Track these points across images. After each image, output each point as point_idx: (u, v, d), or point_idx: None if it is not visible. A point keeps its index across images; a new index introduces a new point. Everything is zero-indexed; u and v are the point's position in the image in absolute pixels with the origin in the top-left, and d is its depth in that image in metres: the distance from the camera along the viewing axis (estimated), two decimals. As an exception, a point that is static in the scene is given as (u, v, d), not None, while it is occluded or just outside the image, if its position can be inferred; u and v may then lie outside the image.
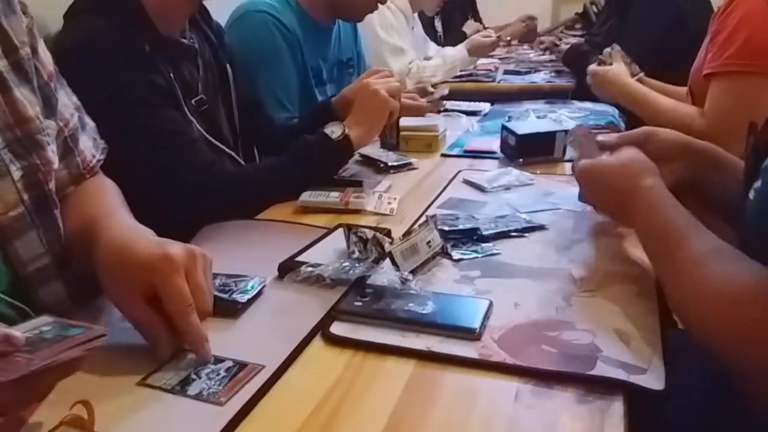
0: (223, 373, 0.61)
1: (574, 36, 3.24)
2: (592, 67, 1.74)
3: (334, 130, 1.15)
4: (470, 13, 3.75)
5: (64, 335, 0.52)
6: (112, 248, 0.66)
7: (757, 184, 0.67)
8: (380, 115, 1.24)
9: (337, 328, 0.69)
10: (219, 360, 0.63)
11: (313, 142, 1.15)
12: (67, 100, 0.82)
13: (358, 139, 1.20)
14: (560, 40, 2.87)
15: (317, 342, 0.68)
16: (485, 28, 3.06)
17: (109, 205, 0.79)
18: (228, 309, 0.72)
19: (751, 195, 0.68)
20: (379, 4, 1.70)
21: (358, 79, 1.34)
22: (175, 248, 0.64)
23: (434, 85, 2.09)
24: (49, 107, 0.77)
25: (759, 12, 1.22)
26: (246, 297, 0.74)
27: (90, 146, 0.86)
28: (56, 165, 0.75)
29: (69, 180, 0.82)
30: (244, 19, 1.54)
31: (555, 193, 1.10)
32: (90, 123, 0.88)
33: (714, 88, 1.31)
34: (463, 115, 1.76)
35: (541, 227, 0.95)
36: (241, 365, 0.63)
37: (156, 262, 0.62)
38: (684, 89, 1.55)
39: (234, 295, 0.74)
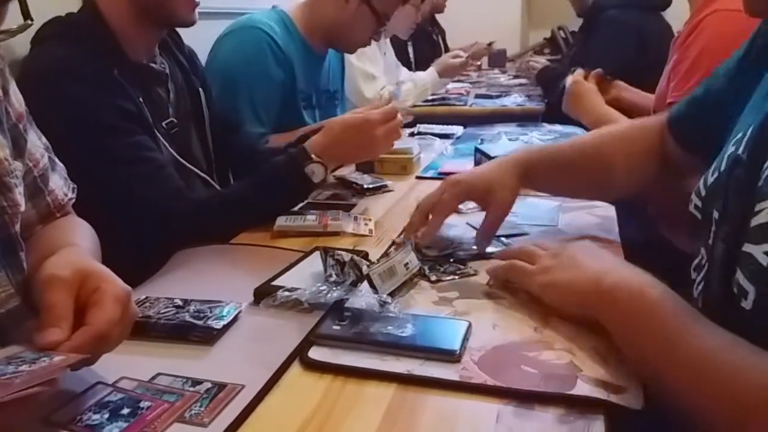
0: (204, 394, 0.60)
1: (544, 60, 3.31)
2: (572, 77, 1.73)
3: (315, 172, 1.11)
4: (437, 35, 3.83)
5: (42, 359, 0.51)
6: (61, 254, 0.64)
7: None
8: (366, 152, 1.24)
9: (316, 353, 0.68)
10: (196, 382, 0.62)
11: (289, 178, 1.11)
12: (37, 141, 0.81)
13: (333, 169, 1.22)
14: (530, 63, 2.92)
15: (296, 367, 0.67)
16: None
17: (73, 240, 0.77)
18: (203, 336, 0.71)
19: (762, 259, 0.58)
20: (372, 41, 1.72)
21: (355, 112, 1.25)
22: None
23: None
24: (18, 148, 0.75)
25: (718, 45, 1.26)
26: (221, 323, 0.72)
27: (61, 185, 0.85)
28: (23, 207, 0.73)
29: (37, 219, 0.80)
30: (240, 33, 1.57)
31: (530, 215, 1.10)
32: (60, 163, 0.87)
33: None
34: (437, 138, 1.78)
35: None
36: (220, 386, 0.62)
37: (106, 279, 0.61)
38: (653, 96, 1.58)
39: (209, 322, 0.72)
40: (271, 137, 1.53)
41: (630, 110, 1.60)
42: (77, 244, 0.75)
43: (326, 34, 1.65)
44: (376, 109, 1.20)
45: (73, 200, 0.87)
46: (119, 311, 0.59)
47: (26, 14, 0.64)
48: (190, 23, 1.17)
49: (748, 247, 0.60)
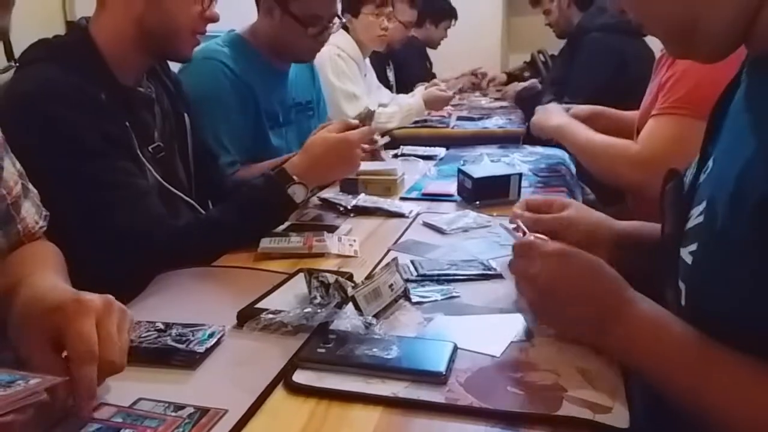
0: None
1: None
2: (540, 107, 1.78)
3: (296, 193, 1.11)
4: (426, 62, 3.87)
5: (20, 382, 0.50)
6: (26, 298, 0.65)
7: (693, 247, 0.63)
8: (346, 172, 1.27)
9: (300, 377, 0.67)
10: (179, 407, 0.61)
11: (270, 198, 1.11)
12: (12, 168, 0.80)
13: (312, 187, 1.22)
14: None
15: (280, 391, 0.66)
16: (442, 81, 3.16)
17: (39, 265, 0.77)
18: (185, 360, 0.70)
19: (688, 259, 0.64)
20: (331, 48, 1.73)
21: (324, 132, 1.23)
22: (90, 296, 0.62)
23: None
24: None
25: (699, 67, 1.31)
26: (204, 347, 0.71)
27: (33, 212, 0.84)
28: None
29: (7, 248, 0.79)
30: (195, 66, 1.56)
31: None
32: (33, 190, 0.85)
33: (654, 121, 1.38)
34: (420, 160, 1.79)
35: (499, 275, 0.95)
36: (203, 411, 0.61)
37: (64, 304, 0.60)
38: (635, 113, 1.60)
39: (191, 345, 0.71)
40: (242, 168, 1.53)
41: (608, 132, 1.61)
42: (38, 273, 0.73)
43: (276, 49, 1.68)
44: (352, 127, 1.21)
45: (45, 228, 0.85)
46: (88, 324, 0.59)
47: (11, 56, 0.64)
48: (186, 60, 1.20)
49: (682, 252, 0.66)
